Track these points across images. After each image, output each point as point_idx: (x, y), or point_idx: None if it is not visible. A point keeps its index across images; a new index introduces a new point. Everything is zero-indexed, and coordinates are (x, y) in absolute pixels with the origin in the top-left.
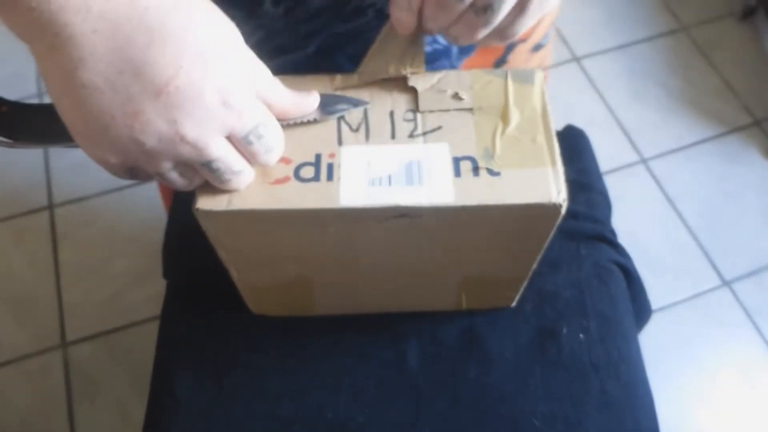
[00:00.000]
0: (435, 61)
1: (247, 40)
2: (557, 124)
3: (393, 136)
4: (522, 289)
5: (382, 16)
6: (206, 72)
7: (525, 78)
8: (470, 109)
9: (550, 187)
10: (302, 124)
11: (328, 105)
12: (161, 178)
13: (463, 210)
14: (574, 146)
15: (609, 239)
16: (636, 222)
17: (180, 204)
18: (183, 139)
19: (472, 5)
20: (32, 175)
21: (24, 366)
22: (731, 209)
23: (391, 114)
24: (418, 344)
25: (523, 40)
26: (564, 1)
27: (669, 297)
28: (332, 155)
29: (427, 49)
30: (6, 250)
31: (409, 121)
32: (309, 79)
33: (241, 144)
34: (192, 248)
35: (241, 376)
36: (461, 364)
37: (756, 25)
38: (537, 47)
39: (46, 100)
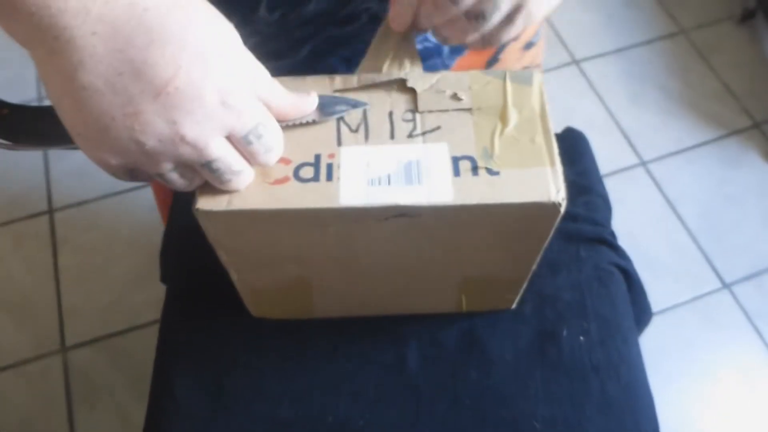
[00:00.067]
0: (427, 59)
1: None
2: (556, 127)
3: (392, 137)
4: (522, 291)
5: (376, 20)
6: (206, 72)
7: (523, 79)
8: (469, 110)
9: (549, 186)
10: (301, 125)
11: (327, 106)
12: (161, 178)
13: (462, 209)
14: (573, 148)
15: (609, 241)
16: (636, 224)
17: (178, 208)
18: (183, 139)
19: (466, 11)
20: (32, 179)
21: (24, 370)
22: (731, 212)
23: (390, 114)
24: (418, 346)
25: (514, 39)
26: (563, 4)
27: (669, 299)
28: (332, 155)
29: (419, 47)
30: (6, 254)
31: (408, 121)
32: (308, 80)
33: (240, 144)
34: (191, 252)
35: (241, 379)
36: (461, 366)
37: (755, 27)
38: (528, 45)
39: (46, 103)
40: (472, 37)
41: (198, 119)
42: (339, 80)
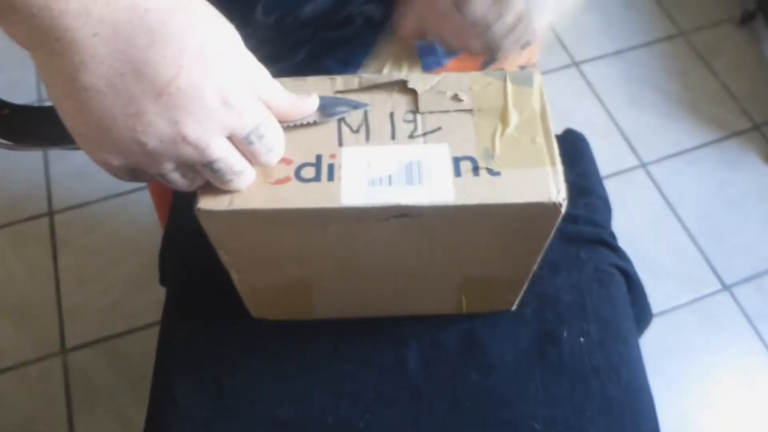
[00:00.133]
0: (422, 57)
1: None
2: (556, 129)
3: (393, 137)
4: (522, 292)
5: (371, 23)
6: (207, 72)
7: (524, 80)
8: (470, 111)
9: (550, 186)
10: (302, 126)
11: (327, 107)
12: (163, 179)
13: (463, 209)
14: (573, 150)
15: (609, 243)
16: (635, 226)
17: (177, 210)
18: (184, 140)
19: (472, 21)
20: (32, 181)
21: (24, 372)
22: (731, 213)
23: (391, 115)
24: (418, 348)
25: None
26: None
27: (669, 301)
28: (333, 156)
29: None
30: (6, 256)
31: (409, 122)
32: (309, 81)
33: (242, 144)
34: (191, 253)
35: (241, 380)
36: (461, 367)
37: (755, 30)
38: (524, 44)
39: (47, 105)
40: (476, 45)
41: (199, 119)
42: (340, 81)
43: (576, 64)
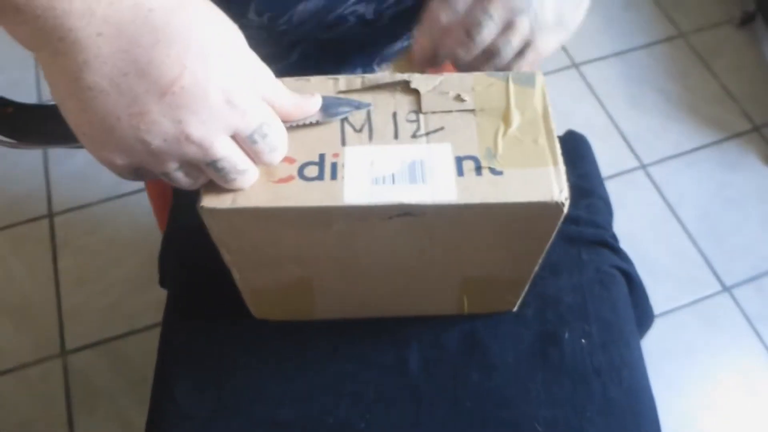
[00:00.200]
0: None
1: None
2: (557, 130)
3: (396, 137)
4: (523, 293)
5: (364, 21)
6: (210, 72)
7: (526, 81)
8: (472, 111)
9: (552, 185)
10: (305, 125)
11: (330, 107)
12: (166, 177)
13: (465, 208)
14: (575, 151)
15: (610, 244)
16: (636, 228)
17: (177, 212)
18: (188, 139)
19: (483, 48)
20: (32, 182)
21: (24, 374)
22: (731, 215)
23: (394, 115)
24: (419, 349)
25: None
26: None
27: (669, 302)
28: (336, 155)
29: (405, 43)
30: (6, 258)
31: (412, 122)
32: (312, 81)
33: (245, 143)
34: (192, 255)
35: (241, 382)
36: (462, 368)
37: (754, 31)
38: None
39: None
40: (487, 68)
41: (203, 119)
42: (343, 81)
43: (576, 65)
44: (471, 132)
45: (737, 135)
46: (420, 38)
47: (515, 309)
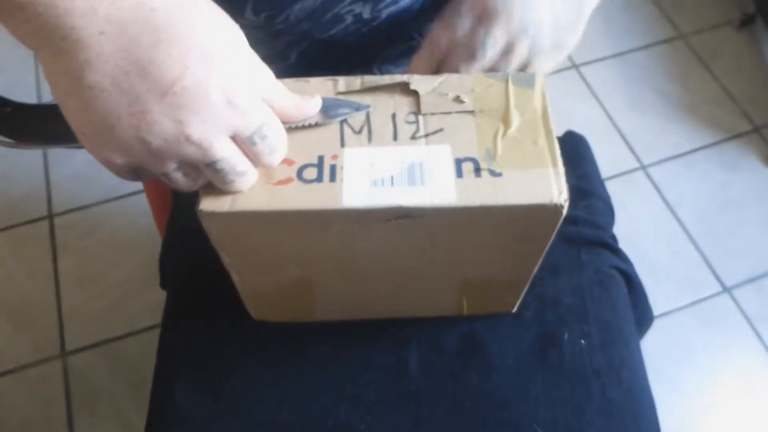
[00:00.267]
0: (412, 54)
1: None
2: (556, 131)
3: (395, 138)
4: (523, 295)
5: (361, 20)
6: (212, 72)
7: (525, 82)
8: (471, 112)
9: (552, 187)
10: (304, 127)
11: (330, 109)
12: (165, 178)
13: (465, 210)
14: (574, 152)
15: (610, 245)
16: (635, 228)
17: (177, 213)
18: (188, 139)
19: (484, 70)
20: (32, 184)
21: (24, 375)
22: (731, 215)
23: (393, 116)
24: (419, 350)
25: None
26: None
27: (669, 303)
28: (335, 157)
29: (403, 45)
30: (6, 259)
31: (411, 123)
32: (312, 82)
33: (245, 144)
34: (191, 256)
35: (241, 384)
36: (462, 370)
37: (754, 32)
38: None
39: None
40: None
41: (204, 119)
42: (342, 82)
43: (576, 66)
44: (470, 133)
45: (737, 136)
46: (418, 62)
47: (514, 310)
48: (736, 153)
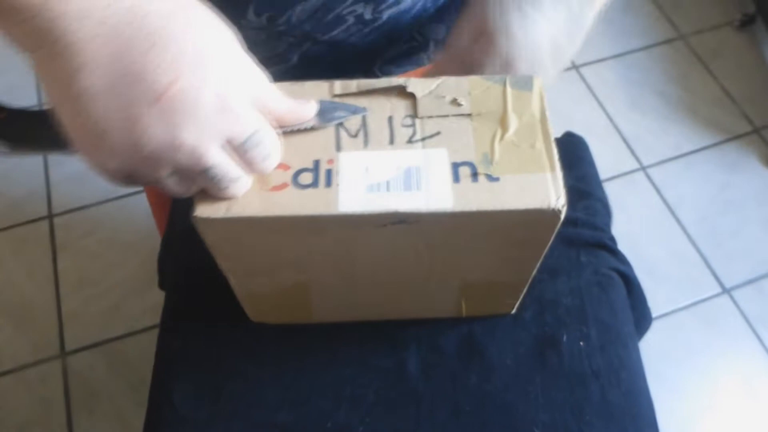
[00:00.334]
0: (412, 55)
1: None
2: (556, 132)
3: (391, 142)
4: (522, 296)
5: (362, 21)
6: (205, 77)
7: (523, 84)
8: (469, 115)
9: (549, 192)
10: (300, 131)
11: (326, 112)
12: (159, 184)
13: (461, 216)
14: (573, 153)
15: (609, 246)
16: (635, 229)
17: (177, 214)
18: (181, 145)
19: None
20: (32, 184)
21: (23, 375)
22: (730, 216)
23: (390, 119)
24: (418, 352)
25: None
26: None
27: (669, 304)
28: (330, 161)
29: (404, 46)
30: (5, 259)
31: (407, 126)
32: (308, 85)
33: (238, 151)
34: (190, 257)
35: (240, 386)
36: (461, 371)
37: (754, 33)
38: None
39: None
40: None
41: (197, 125)
42: (338, 85)
43: (576, 67)
44: (467, 137)
45: (737, 137)
46: (431, 72)
47: (513, 312)
48: (736, 154)
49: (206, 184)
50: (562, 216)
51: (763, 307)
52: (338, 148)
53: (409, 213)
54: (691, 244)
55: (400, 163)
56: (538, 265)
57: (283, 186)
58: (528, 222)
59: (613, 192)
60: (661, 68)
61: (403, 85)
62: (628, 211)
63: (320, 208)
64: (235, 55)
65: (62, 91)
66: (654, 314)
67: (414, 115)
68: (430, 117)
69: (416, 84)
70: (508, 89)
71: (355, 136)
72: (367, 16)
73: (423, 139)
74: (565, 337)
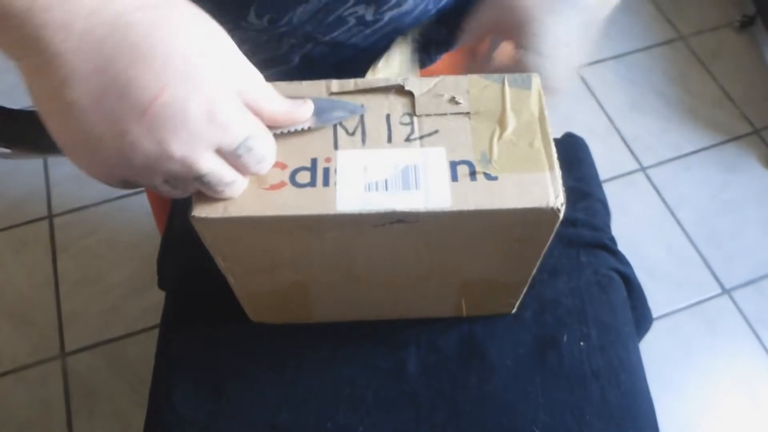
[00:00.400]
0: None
1: None
2: (556, 133)
3: (389, 140)
4: (522, 296)
5: (364, 22)
6: (191, 90)
7: (522, 83)
8: (467, 114)
9: (548, 191)
10: (297, 132)
11: (323, 113)
12: (154, 189)
13: (460, 215)
14: (573, 154)
15: (609, 247)
16: (635, 230)
17: (176, 214)
18: (171, 157)
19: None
20: (32, 185)
21: (23, 376)
22: (730, 217)
23: (388, 118)
24: (417, 352)
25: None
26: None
27: (669, 305)
28: (328, 160)
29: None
30: (5, 260)
31: (405, 124)
32: (305, 84)
33: (230, 157)
34: (190, 257)
35: (239, 387)
36: (461, 372)
37: (754, 34)
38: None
39: None
40: None
41: (185, 137)
42: (336, 84)
43: None
44: (466, 135)
45: (737, 138)
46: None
47: (513, 311)
48: (735, 155)
49: (201, 188)
50: (561, 215)
51: (763, 307)
52: (336, 146)
53: (407, 212)
54: (691, 244)
55: (398, 161)
56: (538, 264)
57: (281, 185)
58: (527, 221)
59: (613, 192)
60: (661, 69)
61: (401, 83)
62: (628, 212)
63: (318, 208)
64: (225, 60)
65: (49, 104)
66: (654, 314)
67: (412, 113)
68: (428, 115)
69: (414, 82)
70: (507, 88)
71: (353, 134)
72: (369, 17)
73: (421, 138)
74: (565, 338)
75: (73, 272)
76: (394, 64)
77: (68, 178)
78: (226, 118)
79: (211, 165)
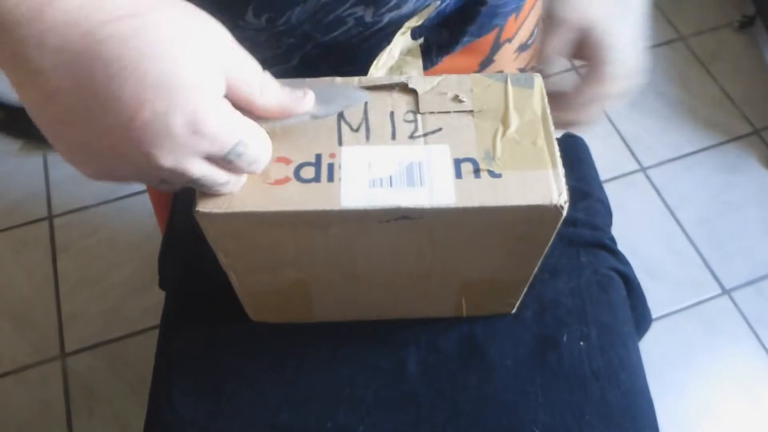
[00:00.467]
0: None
1: None
2: (556, 133)
3: (393, 137)
4: (522, 296)
5: (363, 23)
6: (171, 104)
7: (525, 82)
8: (470, 112)
9: (551, 188)
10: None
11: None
12: (154, 186)
13: (464, 211)
14: (573, 154)
15: (609, 247)
16: (635, 230)
17: (177, 214)
18: (161, 167)
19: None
20: (32, 185)
21: (23, 376)
22: (730, 217)
23: (392, 115)
24: (417, 352)
25: (509, 40)
26: None
27: (669, 305)
28: (333, 155)
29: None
30: (5, 260)
31: (409, 122)
32: (308, 82)
33: (221, 163)
34: (190, 257)
35: (239, 387)
36: (461, 372)
37: (754, 34)
38: (522, 47)
39: None
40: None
41: (170, 150)
42: (339, 81)
43: (575, 68)
44: (469, 133)
45: (737, 138)
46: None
47: (514, 311)
48: (735, 155)
49: (198, 188)
50: (564, 212)
51: (762, 307)
52: (340, 142)
53: (411, 208)
54: (690, 244)
55: (402, 158)
56: (539, 263)
57: (285, 180)
58: (530, 218)
59: (613, 193)
60: (661, 69)
61: (405, 81)
62: (628, 212)
63: (322, 204)
64: (208, 65)
65: (40, 117)
66: (654, 315)
67: (416, 110)
68: (432, 113)
69: (418, 80)
70: (510, 87)
71: (357, 130)
72: (368, 18)
73: (425, 135)
74: (565, 338)
75: (73, 273)
76: (396, 55)
77: (68, 178)
78: (211, 128)
79: (202, 171)
